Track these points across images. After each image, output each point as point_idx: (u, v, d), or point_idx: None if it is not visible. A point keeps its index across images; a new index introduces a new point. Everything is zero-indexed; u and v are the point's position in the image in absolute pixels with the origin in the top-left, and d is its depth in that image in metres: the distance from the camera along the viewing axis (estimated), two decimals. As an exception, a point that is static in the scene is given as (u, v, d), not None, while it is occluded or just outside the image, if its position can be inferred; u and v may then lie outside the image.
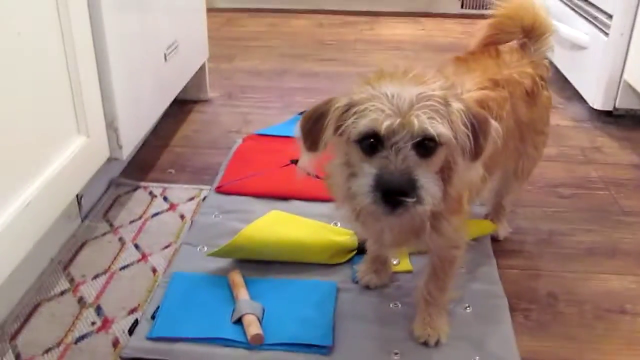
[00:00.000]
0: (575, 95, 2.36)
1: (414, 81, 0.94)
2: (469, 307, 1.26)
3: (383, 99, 0.90)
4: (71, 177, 1.36)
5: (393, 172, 0.89)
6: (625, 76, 2.08)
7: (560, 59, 2.45)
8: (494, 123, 0.97)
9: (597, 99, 2.18)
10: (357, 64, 2.78)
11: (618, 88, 2.13)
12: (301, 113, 2.09)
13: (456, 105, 0.93)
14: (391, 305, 1.26)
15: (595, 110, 2.21)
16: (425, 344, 1.16)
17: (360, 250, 1.37)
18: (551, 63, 1.41)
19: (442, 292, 1.17)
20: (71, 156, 1.34)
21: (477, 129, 0.94)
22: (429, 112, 0.90)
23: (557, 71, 2.49)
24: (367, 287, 1.31)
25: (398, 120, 0.89)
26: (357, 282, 1.32)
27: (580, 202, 1.70)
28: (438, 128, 0.90)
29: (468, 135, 0.93)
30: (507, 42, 1.32)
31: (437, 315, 1.17)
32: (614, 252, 1.48)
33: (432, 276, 1.17)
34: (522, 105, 1.25)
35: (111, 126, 1.52)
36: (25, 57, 1.18)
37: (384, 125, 0.88)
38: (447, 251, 1.13)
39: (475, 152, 0.94)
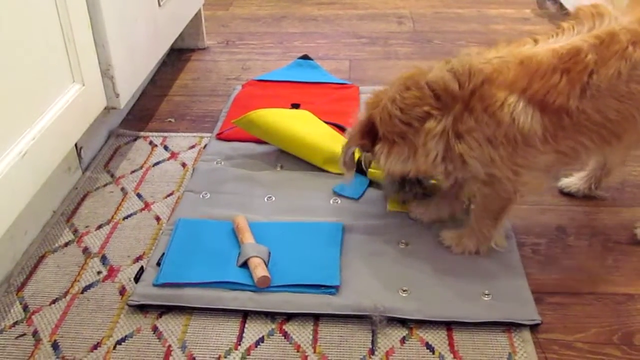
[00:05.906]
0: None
1: None
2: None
3: None
4: (68, 127, 1.33)
5: None
6: None
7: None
8: None
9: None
10: (357, 6, 2.70)
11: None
12: (302, 57, 2.07)
13: None
14: (398, 245, 1.25)
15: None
16: (448, 247, 1.22)
17: (359, 169, 1.38)
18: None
19: (493, 222, 1.18)
20: (66, 105, 1.31)
21: None
22: None
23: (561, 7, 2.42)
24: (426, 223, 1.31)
25: None
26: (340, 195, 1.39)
27: (589, 136, 1.67)
28: None
29: None
30: None
31: (473, 238, 1.20)
32: (623, 185, 1.46)
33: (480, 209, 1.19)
34: None
35: (106, 74, 1.49)
36: (11, 2, 1.14)
37: None
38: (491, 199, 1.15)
39: None
